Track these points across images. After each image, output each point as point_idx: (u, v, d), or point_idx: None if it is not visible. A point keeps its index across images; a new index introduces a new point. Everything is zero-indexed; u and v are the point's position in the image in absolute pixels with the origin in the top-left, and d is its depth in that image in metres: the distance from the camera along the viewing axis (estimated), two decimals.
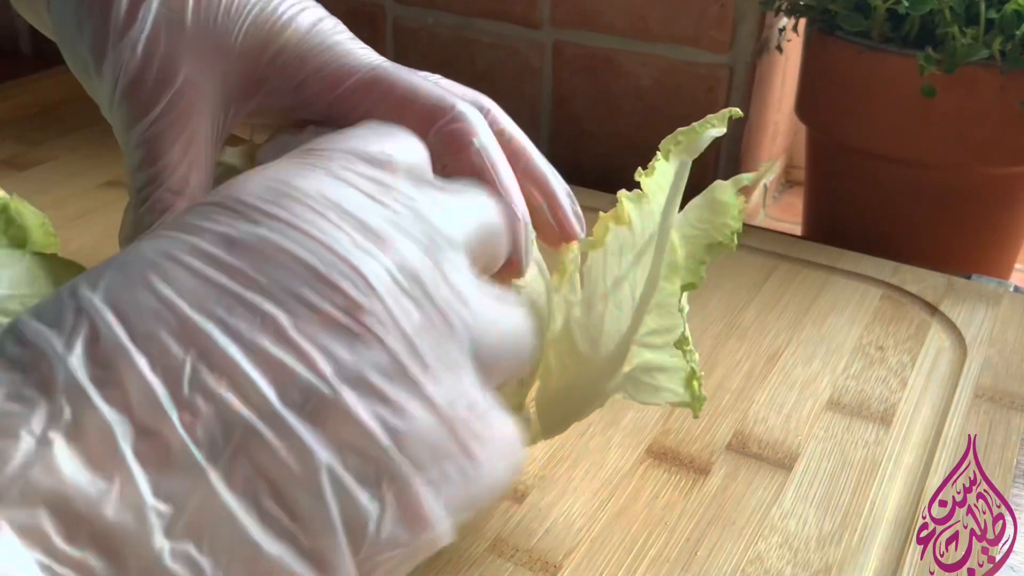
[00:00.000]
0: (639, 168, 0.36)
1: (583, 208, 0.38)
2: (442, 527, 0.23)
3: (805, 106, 0.71)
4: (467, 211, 0.27)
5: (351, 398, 0.22)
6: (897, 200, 0.66)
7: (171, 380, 0.21)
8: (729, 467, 0.44)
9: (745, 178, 0.36)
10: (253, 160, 0.36)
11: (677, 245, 0.36)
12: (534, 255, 0.37)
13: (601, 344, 0.37)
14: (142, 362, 0.21)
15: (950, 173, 0.64)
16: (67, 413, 0.20)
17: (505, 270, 0.31)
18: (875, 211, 0.68)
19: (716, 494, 0.43)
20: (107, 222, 0.65)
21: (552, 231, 0.37)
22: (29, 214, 0.44)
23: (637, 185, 0.36)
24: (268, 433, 0.21)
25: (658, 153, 0.36)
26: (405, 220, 0.25)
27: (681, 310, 0.36)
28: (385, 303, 0.23)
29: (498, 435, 0.24)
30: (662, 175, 0.36)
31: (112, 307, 0.21)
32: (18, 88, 0.85)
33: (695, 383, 0.37)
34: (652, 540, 0.40)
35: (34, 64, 0.93)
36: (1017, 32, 0.58)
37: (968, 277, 0.60)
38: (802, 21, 0.69)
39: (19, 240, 0.44)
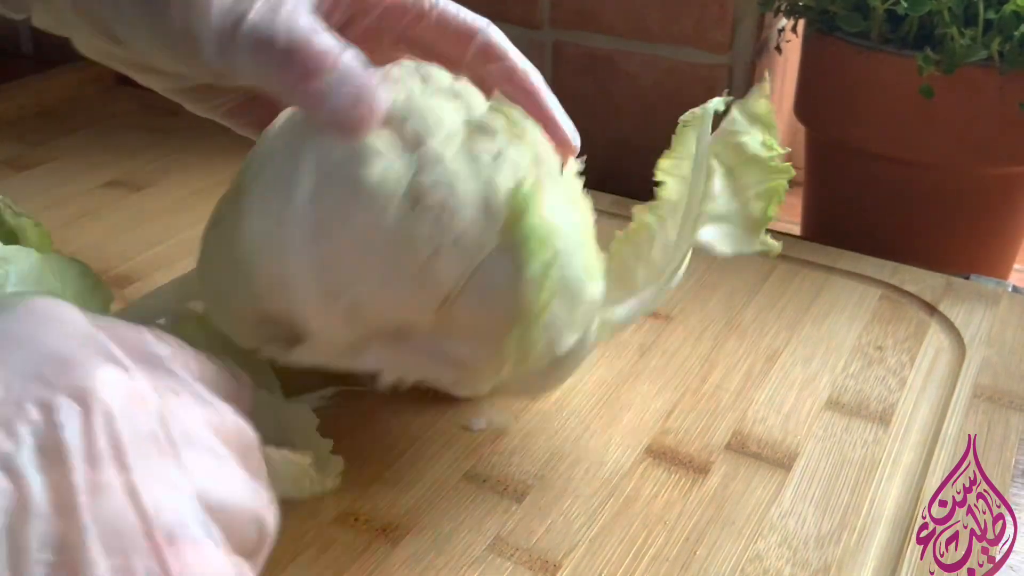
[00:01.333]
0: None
1: None
2: None
3: (804, 106, 0.71)
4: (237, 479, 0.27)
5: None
6: (896, 200, 0.67)
7: None
8: (728, 467, 0.44)
9: (717, 102, 0.38)
10: None
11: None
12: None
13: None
14: None
15: (949, 173, 0.65)
16: None
17: None
18: (874, 211, 0.68)
19: (715, 494, 0.43)
20: (107, 222, 0.65)
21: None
22: (22, 216, 0.44)
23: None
24: None
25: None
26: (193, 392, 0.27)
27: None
28: (115, 398, 0.24)
29: (203, 566, 0.24)
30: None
31: None
32: (18, 88, 0.84)
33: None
34: (651, 539, 0.40)
35: (34, 64, 0.93)
36: (1016, 33, 0.58)
37: (967, 277, 0.60)
38: (801, 21, 0.69)
39: (11, 240, 0.44)
